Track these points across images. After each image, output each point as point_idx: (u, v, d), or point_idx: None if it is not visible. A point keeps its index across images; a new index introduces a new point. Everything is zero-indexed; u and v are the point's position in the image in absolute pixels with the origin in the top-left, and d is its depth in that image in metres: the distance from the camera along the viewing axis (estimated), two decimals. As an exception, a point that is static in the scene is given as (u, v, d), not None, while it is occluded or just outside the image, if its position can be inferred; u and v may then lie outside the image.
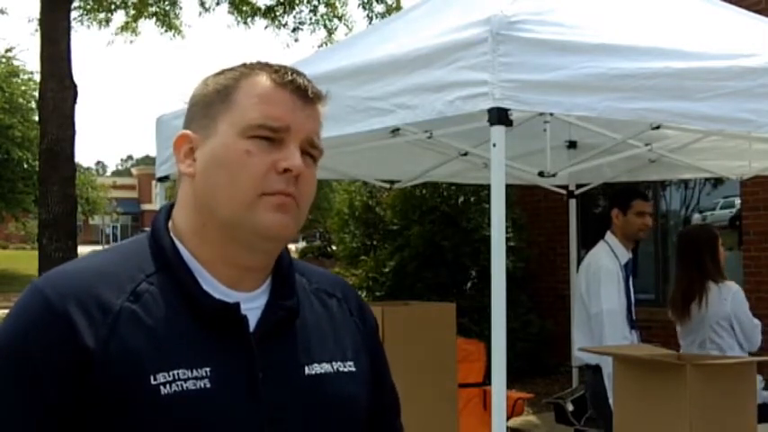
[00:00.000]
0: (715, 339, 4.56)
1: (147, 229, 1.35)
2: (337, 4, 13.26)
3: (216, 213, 1.27)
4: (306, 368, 1.30)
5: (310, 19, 13.39)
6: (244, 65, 1.34)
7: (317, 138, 1.32)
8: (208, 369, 1.21)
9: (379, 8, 12.98)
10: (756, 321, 4.61)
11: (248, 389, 1.23)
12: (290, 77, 1.30)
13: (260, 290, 1.32)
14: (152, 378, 1.17)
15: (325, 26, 13.39)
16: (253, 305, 1.29)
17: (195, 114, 1.33)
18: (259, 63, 1.34)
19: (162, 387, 1.17)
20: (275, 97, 1.28)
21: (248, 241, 1.27)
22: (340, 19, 13.38)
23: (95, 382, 1.16)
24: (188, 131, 1.32)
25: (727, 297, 4.56)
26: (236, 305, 1.25)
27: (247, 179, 1.24)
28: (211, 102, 1.31)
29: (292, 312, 1.32)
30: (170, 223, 1.33)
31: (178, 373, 1.19)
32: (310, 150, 1.30)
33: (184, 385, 1.18)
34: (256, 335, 1.26)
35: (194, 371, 1.20)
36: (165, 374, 1.18)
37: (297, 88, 1.29)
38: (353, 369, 1.36)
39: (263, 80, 1.29)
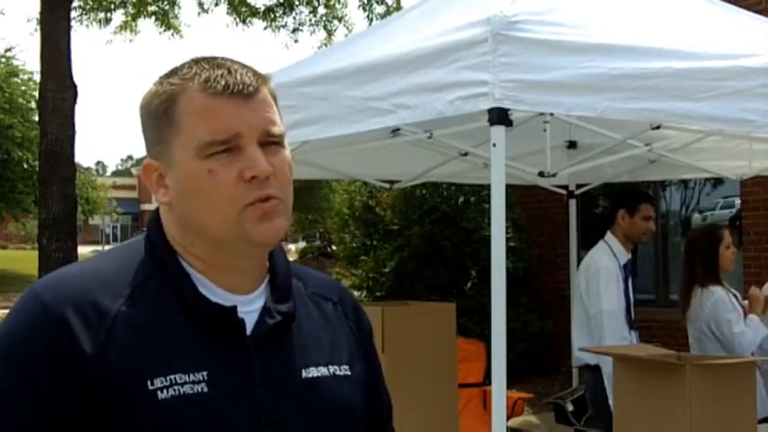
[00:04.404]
0: (703, 345, 4.50)
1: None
2: (337, 5, 13.26)
3: (203, 234, 1.26)
4: (303, 371, 1.30)
5: (310, 20, 13.39)
6: (178, 73, 1.28)
7: (273, 126, 1.27)
8: (205, 373, 1.20)
9: (379, 9, 12.99)
10: (739, 330, 4.37)
11: (246, 392, 1.23)
12: (222, 83, 1.24)
13: (256, 293, 1.31)
14: (149, 383, 1.17)
15: (325, 27, 13.39)
16: (250, 308, 1.28)
17: (150, 140, 1.30)
18: (191, 68, 1.27)
19: (159, 392, 1.17)
20: (214, 109, 1.24)
21: (241, 251, 1.27)
22: (340, 20, 13.38)
23: (92, 386, 1.16)
24: (152, 161, 1.30)
25: (707, 302, 4.45)
26: (233, 309, 1.25)
27: (221, 198, 1.23)
28: (159, 126, 1.28)
29: (288, 317, 1.31)
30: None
31: (175, 378, 1.18)
32: (271, 140, 1.27)
33: (182, 390, 1.18)
34: (253, 338, 1.26)
35: (191, 375, 1.19)
36: (162, 379, 1.18)
37: (232, 92, 1.24)
38: (349, 373, 1.35)
39: (197, 93, 1.25)
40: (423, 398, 4.04)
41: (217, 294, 1.27)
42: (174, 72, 1.29)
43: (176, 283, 1.25)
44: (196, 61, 1.29)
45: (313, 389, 1.29)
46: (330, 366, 1.33)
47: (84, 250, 12.88)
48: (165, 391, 1.17)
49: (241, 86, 1.25)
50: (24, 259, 27.43)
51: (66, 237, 9.02)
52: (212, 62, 1.28)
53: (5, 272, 28.91)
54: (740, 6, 4.50)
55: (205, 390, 1.19)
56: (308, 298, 1.39)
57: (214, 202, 1.23)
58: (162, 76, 1.31)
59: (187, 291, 1.25)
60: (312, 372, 1.30)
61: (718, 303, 4.45)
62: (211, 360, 1.22)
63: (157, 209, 1.34)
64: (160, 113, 1.27)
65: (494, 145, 3.05)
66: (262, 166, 1.23)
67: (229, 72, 1.26)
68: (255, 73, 1.29)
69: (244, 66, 1.29)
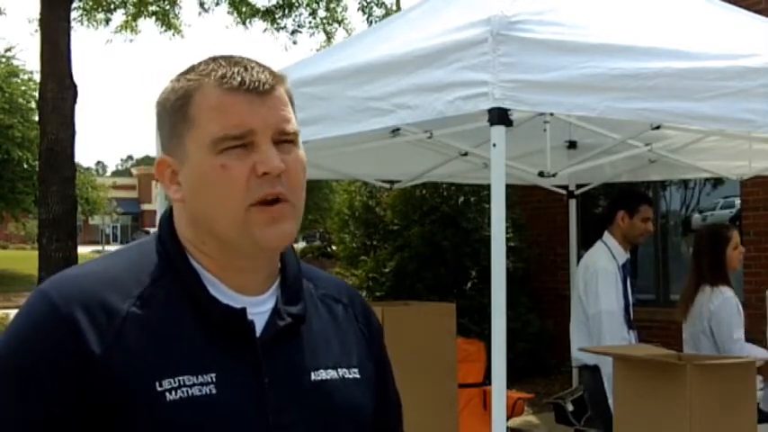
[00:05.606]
0: (698, 343, 4.47)
1: (148, 229, 1.35)
2: (337, 8, 13.28)
3: (213, 232, 1.26)
4: (312, 374, 1.29)
5: (310, 22, 13.41)
6: (195, 70, 1.29)
7: (287, 124, 1.27)
8: (213, 375, 1.20)
9: (378, 12, 13.01)
10: (738, 336, 4.35)
11: (254, 394, 1.22)
12: (237, 79, 1.24)
13: (267, 294, 1.31)
14: (157, 384, 1.17)
15: (324, 30, 13.41)
16: (260, 310, 1.28)
17: (165, 136, 1.31)
18: (207, 65, 1.28)
19: (167, 393, 1.17)
20: (229, 105, 1.24)
21: (250, 253, 1.27)
22: (339, 23, 13.39)
23: (100, 386, 1.15)
24: (166, 157, 1.30)
25: (715, 300, 4.42)
26: (243, 310, 1.24)
27: (232, 192, 1.23)
28: (175, 122, 1.28)
29: (298, 319, 1.31)
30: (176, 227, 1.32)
31: (183, 379, 1.18)
32: (285, 138, 1.27)
33: (190, 391, 1.18)
34: (263, 340, 1.25)
35: (200, 377, 1.19)
36: (171, 380, 1.17)
37: (248, 89, 1.24)
38: (358, 376, 1.35)
39: (213, 89, 1.25)
40: (423, 398, 4.04)
41: (227, 295, 1.26)
42: (191, 69, 1.30)
43: (186, 283, 1.25)
44: (213, 59, 1.30)
45: (322, 391, 1.29)
46: (339, 369, 1.32)
47: (84, 250, 12.88)
48: (173, 392, 1.17)
49: (257, 83, 1.25)
50: (24, 259, 27.44)
51: (66, 237, 9.02)
52: (229, 59, 1.29)
53: (5, 272, 28.93)
54: (740, 6, 4.50)
55: (213, 391, 1.19)
56: (319, 300, 1.38)
57: (225, 198, 1.23)
58: (179, 73, 1.31)
59: (197, 292, 1.25)
60: (321, 374, 1.30)
61: (725, 304, 4.43)
62: (220, 362, 1.21)
63: (170, 208, 1.34)
64: (176, 109, 1.28)
65: (494, 145, 3.05)
66: (275, 163, 1.23)
67: (246, 69, 1.26)
68: (272, 72, 1.29)
69: (261, 65, 1.29)
